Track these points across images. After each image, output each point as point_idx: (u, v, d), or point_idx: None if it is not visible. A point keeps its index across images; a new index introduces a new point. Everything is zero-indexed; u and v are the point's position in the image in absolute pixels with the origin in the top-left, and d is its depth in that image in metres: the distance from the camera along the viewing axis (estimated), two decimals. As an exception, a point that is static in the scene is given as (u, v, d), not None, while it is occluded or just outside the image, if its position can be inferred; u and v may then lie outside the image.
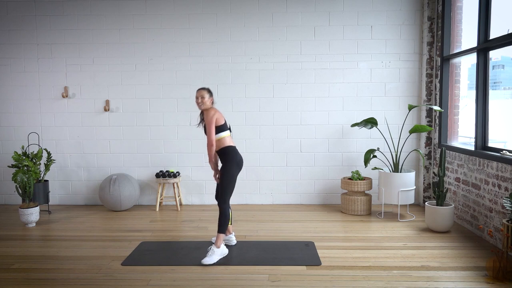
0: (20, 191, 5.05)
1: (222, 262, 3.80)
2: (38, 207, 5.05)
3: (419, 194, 5.82)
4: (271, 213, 5.47)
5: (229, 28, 5.79)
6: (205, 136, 4.00)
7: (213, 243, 3.92)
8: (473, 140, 4.63)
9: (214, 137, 3.88)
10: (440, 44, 5.43)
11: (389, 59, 5.77)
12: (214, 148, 3.91)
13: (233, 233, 4.30)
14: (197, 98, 3.96)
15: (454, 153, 5.03)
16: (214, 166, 4.06)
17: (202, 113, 4.10)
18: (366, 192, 5.51)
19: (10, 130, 6.00)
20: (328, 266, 3.67)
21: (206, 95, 3.96)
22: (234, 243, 4.22)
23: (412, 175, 5.15)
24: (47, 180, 5.67)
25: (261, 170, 5.93)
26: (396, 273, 3.54)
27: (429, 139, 5.67)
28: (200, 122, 4.16)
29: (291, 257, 3.88)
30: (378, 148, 5.45)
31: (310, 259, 3.83)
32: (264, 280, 3.41)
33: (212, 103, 4.01)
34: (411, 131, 5.16)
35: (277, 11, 5.77)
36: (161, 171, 5.75)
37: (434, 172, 5.15)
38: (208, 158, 4.07)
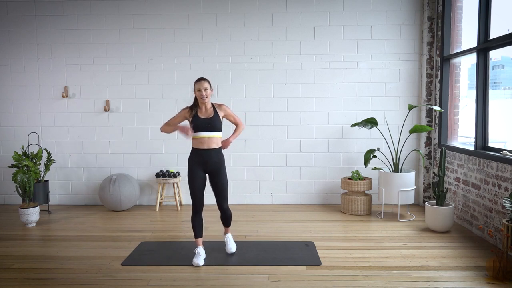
0: (20, 191, 5.05)
1: (222, 262, 3.81)
2: (38, 207, 5.05)
3: (419, 194, 5.81)
4: (271, 213, 5.47)
5: (229, 28, 5.79)
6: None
7: (227, 235, 4.09)
8: (473, 140, 4.63)
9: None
10: (440, 44, 5.43)
11: (389, 59, 5.77)
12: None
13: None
14: (200, 90, 3.69)
15: (454, 153, 5.03)
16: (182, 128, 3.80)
17: (194, 106, 3.81)
18: (366, 192, 5.51)
19: (10, 130, 6.00)
20: (328, 266, 3.67)
21: (209, 87, 3.74)
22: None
23: (412, 175, 5.15)
24: (47, 180, 5.67)
25: (261, 170, 5.93)
26: (396, 273, 3.53)
27: (429, 139, 5.67)
28: (193, 117, 3.76)
29: (291, 257, 3.88)
30: (378, 148, 5.45)
31: (310, 259, 3.83)
32: (264, 280, 3.41)
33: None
34: (411, 131, 5.16)
35: (277, 11, 5.77)
36: (161, 171, 5.75)
37: (434, 172, 5.15)
38: (170, 127, 3.85)
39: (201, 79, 3.75)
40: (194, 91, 3.78)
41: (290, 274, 3.53)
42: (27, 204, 5.01)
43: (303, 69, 5.81)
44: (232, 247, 4.01)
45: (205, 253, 3.90)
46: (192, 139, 3.82)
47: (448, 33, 5.32)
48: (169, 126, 3.90)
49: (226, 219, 4.02)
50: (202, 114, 3.79)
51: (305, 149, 5.90)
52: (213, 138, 3.77)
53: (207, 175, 3.87)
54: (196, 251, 3.82)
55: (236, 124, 4.03)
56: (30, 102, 5.95)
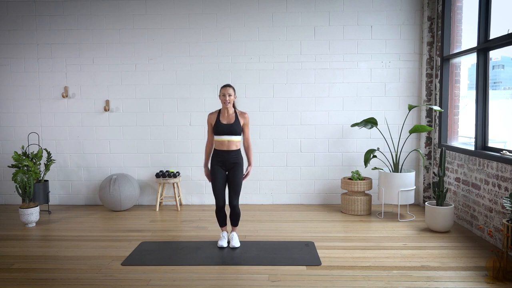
0: (20, 191, 5.05)
1: (222, 262, 3.81)
2: (38, 207, 5.05)
3: (419, 194, 5.81)
4: (271, 213, 5.47)
5: (229, 28, 5.79)
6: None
7: (232, 233, 4.26)
8: (473, 140, 4.63)
9: None
10: (440, 44, 5.43)
11: (389, 59, 5.77)
12: None
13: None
14: (224, 95, 4.01)
15: (454, 153, 5.03)
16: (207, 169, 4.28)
17: (221, 112, 4.10)
18: (366, 192, 5.51)
19: (10, 130, 6.00)
20: (328, 266, 3.67)
21: (233, 93, 4.06)
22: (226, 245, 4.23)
23: (412, 175, 5.15)
24: (47, 180, 5.67)
25: (261, 170, 5.93)
26: (396, 273, 3.54)
27: (429, 139, 5.67)
28: (216, 123, 4.06)
29: (291, 257, 3.88)
30: (378, 148, 5.45)
31: (310, 259, 3.83)
32: (264, 280, 3.41)
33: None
34: (411, 131, 5.16)
35: (277, 11, 5.77)
36: (161, 171, 5.75)
37: (434, 172, 5.15)
38: (205, 161, 4.23)
39: (227, 85, 4.08)
40: (219, 96, 4.08)
41: (290, 274, 3.53)
42: (27, 204, 5.01)
43: (303, 69, 5.81)
44: (235, 243, 4.17)
45: (206, 251, 3.95)
46: (214, 141, 4.13)
47: (448, 33, 5.32)
48: (209, 144, 4.24)
49: (234, 215, 4.19)
50: (224, 119, 4.09)
51: (305, 149, 5.90)
52: (232, 141, 4.08)
53: (227, 172, 4.16)
54: (221, 235, 4.26)
55: (245, 139, 4.22)
56: (30, 102, 5.94)
